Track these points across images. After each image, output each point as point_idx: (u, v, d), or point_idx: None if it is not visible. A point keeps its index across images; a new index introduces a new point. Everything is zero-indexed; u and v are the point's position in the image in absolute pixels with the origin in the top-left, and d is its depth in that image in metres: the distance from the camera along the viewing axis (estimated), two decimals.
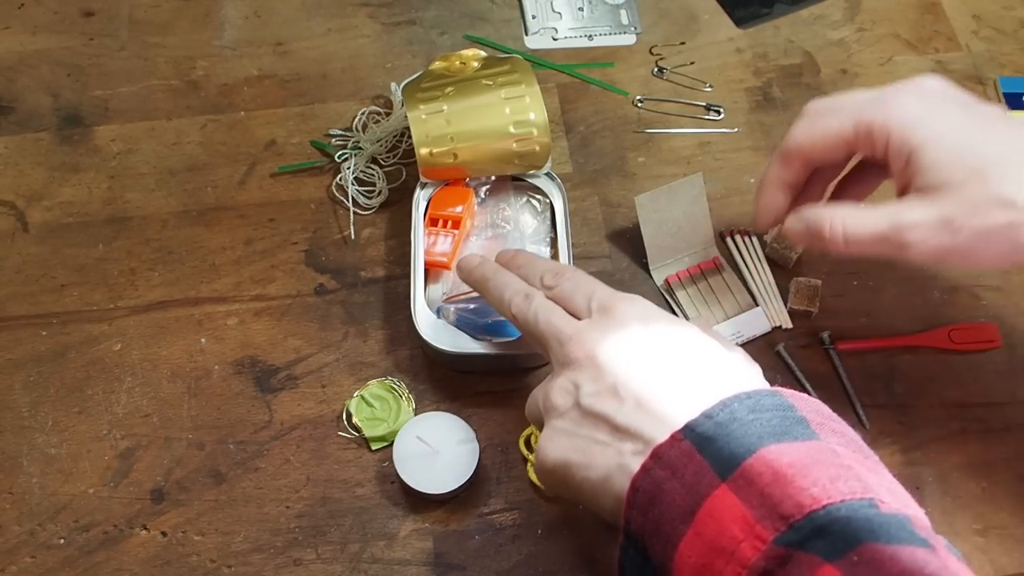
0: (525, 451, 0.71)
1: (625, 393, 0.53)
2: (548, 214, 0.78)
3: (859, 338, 0.76)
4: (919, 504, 0.49)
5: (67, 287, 0.78)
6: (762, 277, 0.78)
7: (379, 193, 0.82)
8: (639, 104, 0.87)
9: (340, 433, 0.72)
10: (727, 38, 0.91)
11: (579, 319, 0.59)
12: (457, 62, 0.79)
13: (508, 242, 0.77)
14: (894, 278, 0.79)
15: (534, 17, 0.92)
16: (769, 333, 0.76)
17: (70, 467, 0.71)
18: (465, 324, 0.71)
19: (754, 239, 0.80)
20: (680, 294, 0.77)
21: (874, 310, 0.78)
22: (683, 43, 0.91)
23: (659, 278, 0.78)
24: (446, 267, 0.74)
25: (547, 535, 0.69)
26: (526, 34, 0.92)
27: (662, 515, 0.49)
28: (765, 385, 0.55)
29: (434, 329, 0.71)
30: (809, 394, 0.61)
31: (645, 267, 0.78)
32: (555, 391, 0.56)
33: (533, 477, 0.69)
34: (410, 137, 0.76)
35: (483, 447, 0.70)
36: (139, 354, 0.75)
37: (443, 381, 0.74)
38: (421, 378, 0.74)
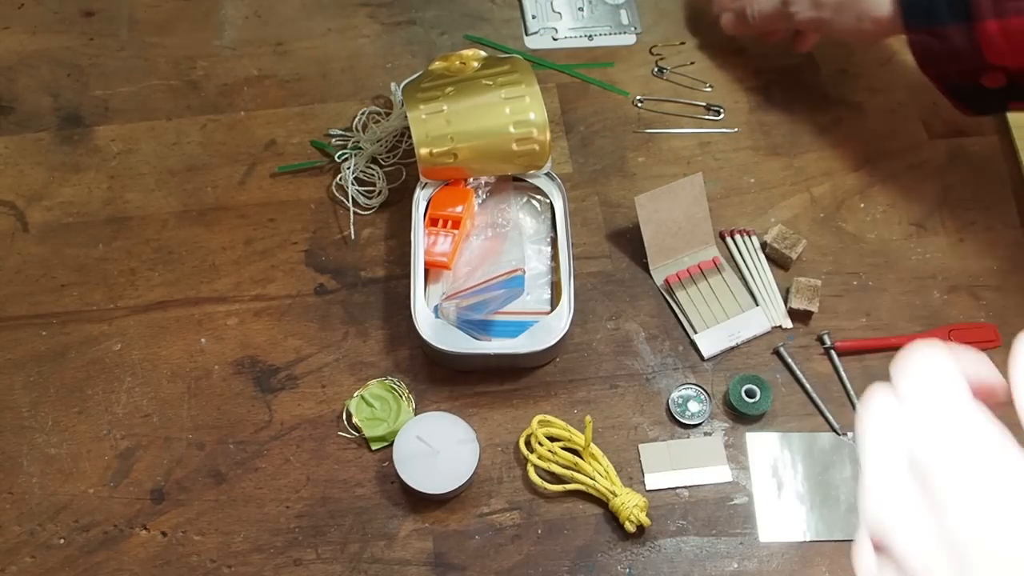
0: (525, 451, 0.71)
1: None
2: (548, 214, 0.78)
3: (859, 338, 0.76)
4: None
5: (67, 287, 0.78)
6: (762, 277, 0.78)
7: (379, 193, 0.82)
8: (639, 104, 0.87)
9: (340, 433, 0.72)
10: (727, 38, 0.91)
11: None
12: (457, 62, 0.79)
13: (508, 242, 0.77)
14: (894, 278, 0.79)
15: (534, 17, 0.92)
16: (769, 333, 0.76)
17: (70, 467, 0.71)
18: (466, 324, 0.71)
19: (754, 239, 0.80)
20: (680, 294, 0.77)
21: (874, 310, 0.78)
22: (683, 43, 0.91)
23: (659, 278, 0.78)
24: (446, 267, 0.74)
25: (547, 535, 0.69)
26: (526, 34, 0.92)
27: None
28: None
29: (434, 329, 0.71)
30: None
31: (645, 267, 0.78)
32: None
33: (533, 477, 0.69)
34: (410, 137, 0.76)
35: (483, 447, 0.70)
36: (139, 354, 0.75)
37: (443, 381, 0.74)
38: (421, 378, 0.74)
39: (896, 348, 0.77)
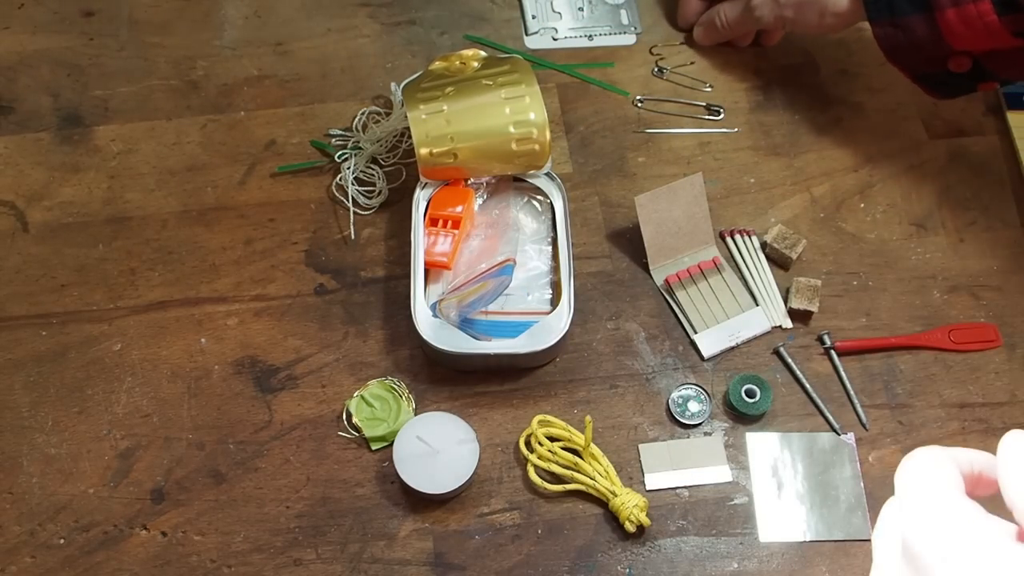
0: (525, 451, 0.71)
1: None
2: (548, 214, 0.78)
3: (859, 338, 0.76)
4: None
5: (67, 287, 0.78)
6: (762, 277, 0.78)
7: (379, 193, 0.82)
8: (639, 104, 0.87)
9: (340, 433, 0.72)
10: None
11: None
12: (457, 62, 0.79)
13: (504, 240, 0.77)
14: (894, 278, 0.79)
15: (534, 17, 0.92)
16: (769, 333, 0.76)
17: (70, 467, 0.71)
18: (464, 323, 0.71)
19: (754, 239, 0.80)
20: (680, 294, 0.77)
21: (874, 310, 0.78)
22: (683, 43, 0.91)
23: (659, 278, 0.78)
24: (446, 267, 0.74)
25: (547, 535, 0.69)
26: (526, 34, 0.92)
27: None
28: None
29: (434, 329, 0.71)
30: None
31: (645, 267, 0.78)
32: None
33: (533, 477, 0.69)
34: (410, 137, 0.76)
35: (483, 447, 0.70)
36: (139, 354, 0.75)
37: (443, 381, 0.74)
38: (421, 378, 0.74)
39: (896, 348, 0.78)
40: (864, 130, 0.86)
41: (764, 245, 0.79)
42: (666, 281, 0.78)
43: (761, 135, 0.86)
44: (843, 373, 0.75)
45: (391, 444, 0.69)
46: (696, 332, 0.76)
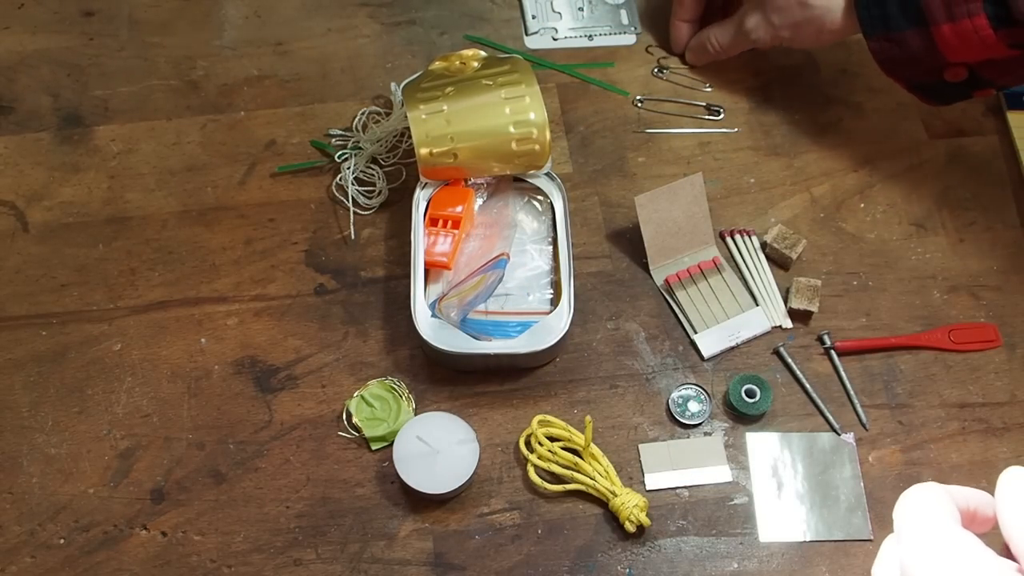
0: (525, 451, 0.71)
1: None
2: (548, 214, 0.78)
3: (859, 338, 0.76)
4: None
5: (67, 287, 0.78)
6: (762, 277, 0.78)
7: (379, 193, 0.82)
8: (639, 104, 0.87)
9: (340, 433, 0.72)
10: None
11: None
12: (457, 62, 0.79)
13: (504, 239, 0.77)
14: (894, 278, 0.79)
15: (534, 17, 0.92)
16: (769, 333, 0.76)
17: (70, 467, 0.71)
18: (464, 322, 0.71)
19: (754, 239, 0.80)
20: (680, 294, 0.77)
21: (874, 310, 0.78)
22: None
23: (659, 278, 0.78)
24: (446, 267, 0.74)
25: (547, 535, 0.69)
26: (526, 34, 0.92)
27: None
28: None
29: (434, 329, 0.71)
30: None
31: (645, 267, 0.78)
32: None
33: (533, 477, 0.69)
34: (410, 137, 0.76)
35: (483, 447, 0.70)
36: (139, 354, 0.75)
37: (443, 381, 0.74)
38: (421, 378, 0.74)
39: (896, 348, 0.78)
40: (864, 130, 0.87)
41: (764, 245, 0.79)
42: (666, 281, 0.78)
43: (761, 135, 0.86)
44: (843, 373, 0.75)
45: (391, 444, 0.69)
46: (696, 332, 0.76)
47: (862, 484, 0.71)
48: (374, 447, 0.71)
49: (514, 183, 0.79)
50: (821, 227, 0.81)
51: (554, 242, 0.77)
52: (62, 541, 0.68)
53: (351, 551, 0.68)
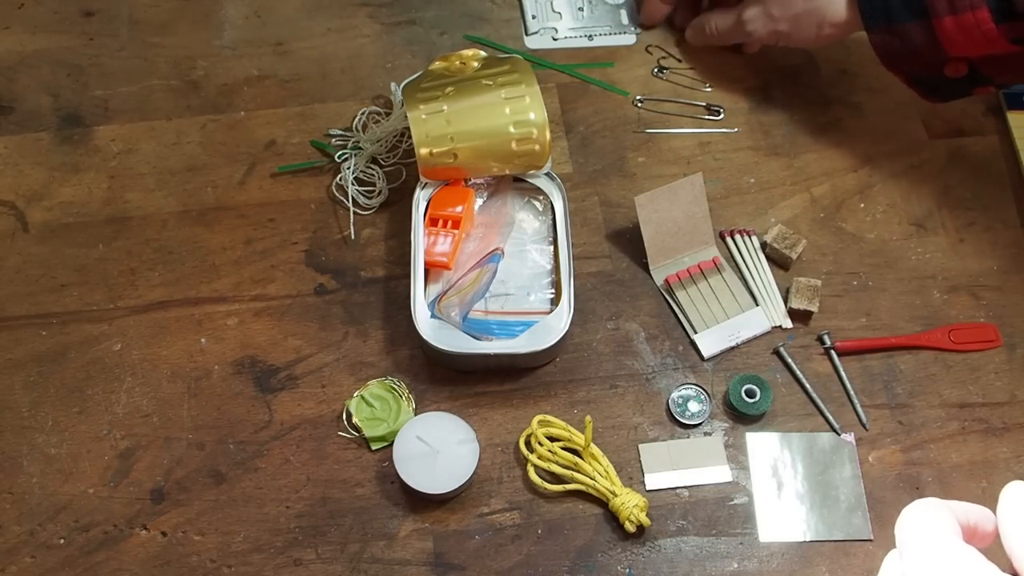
0: (525, 451, 0.71)
1: None
2: (548, 214, 0.78)
3: (859, 338, 0.76)
4: None
5: (67, 287, 0.78)
6: (762, 277, 0.78)
7: (379, 193, 0.82)
8: (639, 104, 0.87)
9: (340, 433, 0.72)
10: None
11: None
12: (457, 62, 0.79)
13: (501, 236, 0.77)
14: (894, 278, 0.79)
15: (534, 17, 0.92)
16: (769, 333, 0.76)
17: (70, 467, 0.71)
18: (466, 323, 0.71)
19: (754, 239, 0.80)
20: (680, 294, 0.77)
21: (874, 310, 0.78)
22: (683, 43, 0.91)
23: (659, 278, 0.78)
24: (446, 267, 0.74)
25: (547, 535, 0.69)
26: (526, 34, 0.92)
27: None
28: None
29: (434, 329, 0.71)
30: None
31: (645, 267, 0.78)
32: None
33: (533, 477, 0.69)
34: (410, 137, 0.76)
35: (483, 447, 0.70)
36: (139, 354, 0.75)
37: (443, 381, 0.74)
38: (421, 378, 0.74)
39: (896, 348, 0.78)
40: (864, 130, 0.87)
41: (764, 245, 0.79)
42: (666, 281, 0.78)
43: (761, 135, 0.86)
44: (843, 373, 0.75)
45: (391, 444, 0.69)
46: (696, 332, 0.76)
47: (862, 484, 0.71)
48: (374, 447, 0.71)
49: (514, 183, 0.79)
50: (821, 227, 0.81)
51: (554, 242, 0.77)
52: (62, 541, 0.68)
53: (351, 551, 0.68)
